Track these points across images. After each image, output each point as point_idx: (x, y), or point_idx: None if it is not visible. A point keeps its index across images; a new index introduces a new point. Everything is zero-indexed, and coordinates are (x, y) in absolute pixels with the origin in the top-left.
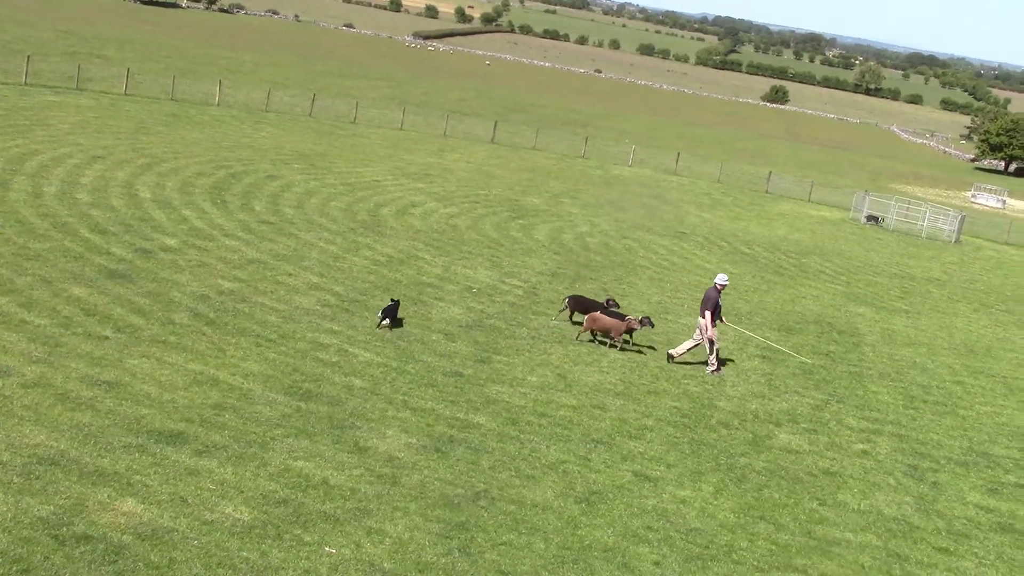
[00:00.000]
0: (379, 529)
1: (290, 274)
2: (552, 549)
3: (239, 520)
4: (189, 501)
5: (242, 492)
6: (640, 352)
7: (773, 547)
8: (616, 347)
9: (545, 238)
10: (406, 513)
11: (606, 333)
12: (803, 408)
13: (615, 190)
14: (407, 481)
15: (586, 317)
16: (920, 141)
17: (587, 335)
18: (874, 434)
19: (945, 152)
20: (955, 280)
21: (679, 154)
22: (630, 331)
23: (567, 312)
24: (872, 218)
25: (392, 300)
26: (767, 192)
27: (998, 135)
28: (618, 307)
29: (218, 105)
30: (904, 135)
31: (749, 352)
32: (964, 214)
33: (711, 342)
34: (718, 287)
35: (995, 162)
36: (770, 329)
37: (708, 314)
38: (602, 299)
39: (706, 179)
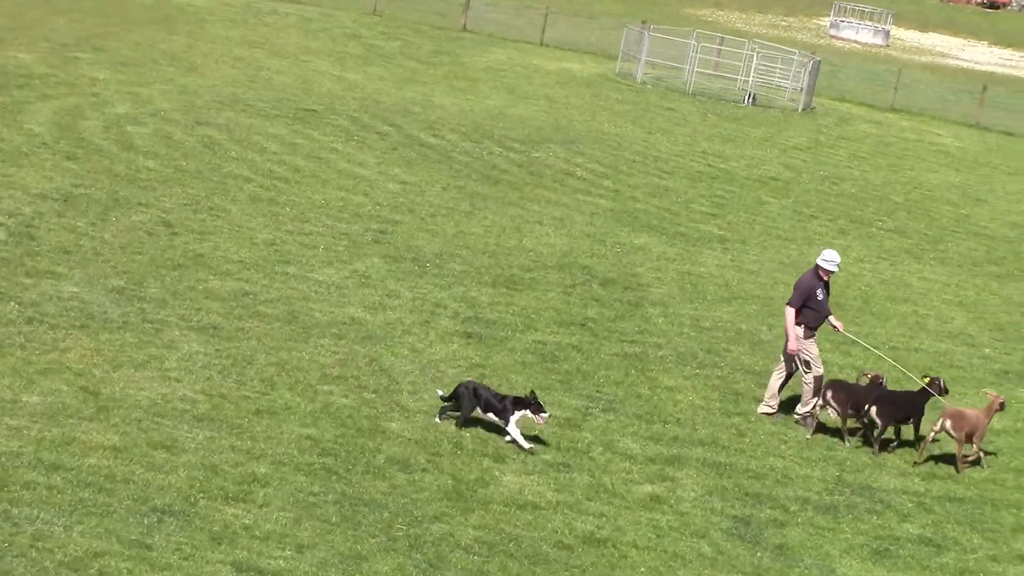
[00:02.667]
0: None
1: None
2: None
3: None
4: None
5: None
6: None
7: None
8: (964, 465)
9: (47, 129)
10: None
11: (968, 439)
12: (546, 425)
13: (181, 33)
14: None
15: (949, 416)
16: None
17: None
18: (672, 465)
19: None
20: (805, 180)
21: None
22: None
23: (835, 415)
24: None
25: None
26: (465, 31)
27: None
28: (883, 381)
29: None
30: None
31: (443, 324)
32: (819, 59)
33: (806, 363)
34: (821, 272)
35: None
36: (481, 283)
37: (792, 311)
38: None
39: (352, 9)
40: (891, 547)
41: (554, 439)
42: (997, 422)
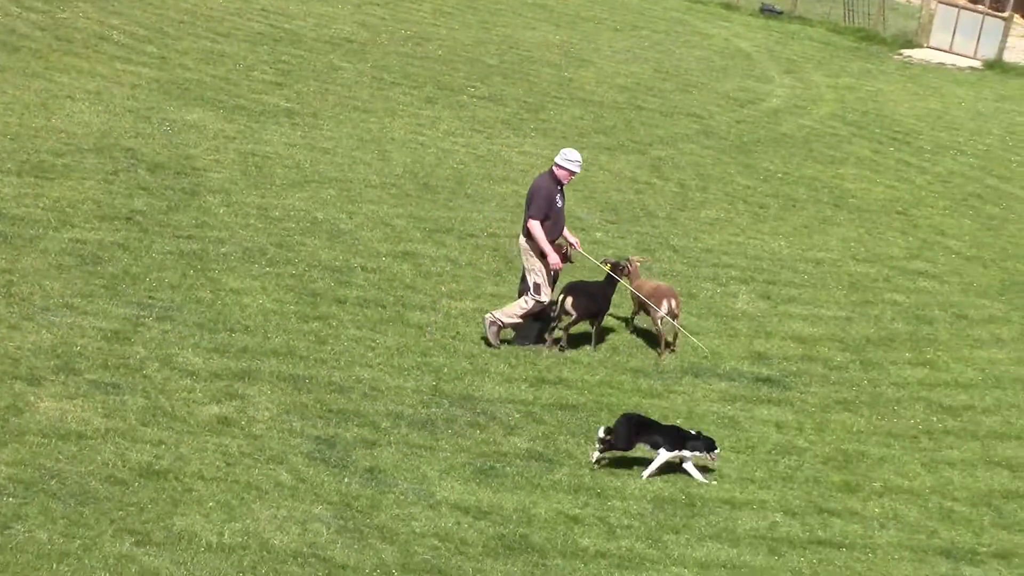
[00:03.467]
0: None
1: None
2: None
3: None
4: None
5: None
6: None
7: None
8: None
9: None
10: None
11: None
12: (88, 339)
13: None
14: None
15: (671, 296)
16: None
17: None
18: (242, 380)
19: None
20: (385, 41)
21: None
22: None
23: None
24: None
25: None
26: None
27: None
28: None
29: None
30: None
31: None
32: None
33: (536, 286)
34: (560, 173)
35: None
36: (2, 172)
37: (536, 224)
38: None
39: None
40: (497, 464)
41: (99, 356)
42: (612, 320)
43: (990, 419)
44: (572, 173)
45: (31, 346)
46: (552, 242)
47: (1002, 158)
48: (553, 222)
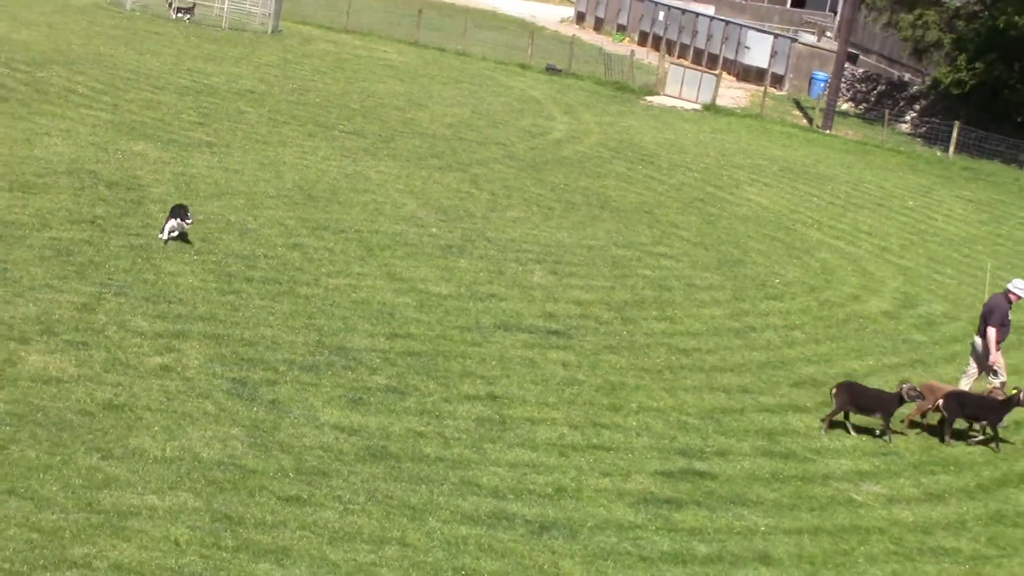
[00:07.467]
0: None
1: None
2: None
3: None
4: None
5: None
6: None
7: (35, 535)
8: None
9: None
10: None
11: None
12: (63, 309)
13: None
14: None
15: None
16: None
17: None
18: (177, 338)
19: None
20: (277, 92)
21: None
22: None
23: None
24: (185, 10)
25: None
26: None
27: None
28: None
29: None
30: None
31: None
32: None
33: (994, 372)
34: (1012, 296)
35: None
36: None
37: (992, 331)
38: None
39: None
40: (364, 396)
41: (72, 322)
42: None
43: (712, 357)
44: (1021, 298)
45: (21, 316)
46: (1000, 342)
47: (717, 173)
48: (1006, 329)
